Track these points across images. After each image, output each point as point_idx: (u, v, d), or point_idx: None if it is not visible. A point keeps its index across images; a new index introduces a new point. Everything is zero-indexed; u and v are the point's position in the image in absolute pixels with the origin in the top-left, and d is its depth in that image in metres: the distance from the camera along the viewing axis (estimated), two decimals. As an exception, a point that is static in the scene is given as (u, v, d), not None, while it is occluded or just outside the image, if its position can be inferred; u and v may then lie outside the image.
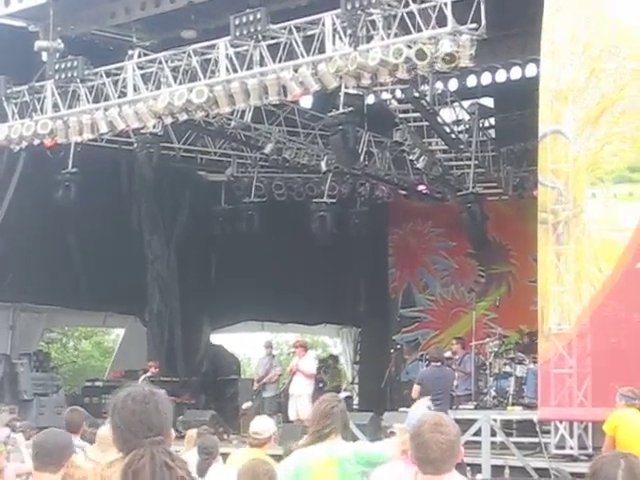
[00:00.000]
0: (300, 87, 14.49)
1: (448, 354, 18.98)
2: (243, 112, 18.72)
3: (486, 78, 22.37)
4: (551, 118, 12.87)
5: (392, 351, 24.47)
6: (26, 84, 17.02)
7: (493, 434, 14.15)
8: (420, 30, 13.17)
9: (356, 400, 24.87)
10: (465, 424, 12.79)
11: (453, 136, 20.07)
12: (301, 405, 17.73)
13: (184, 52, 15.79)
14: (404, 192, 24.24)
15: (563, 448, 13.47)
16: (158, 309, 23.23)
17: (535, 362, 15.79)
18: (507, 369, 18.41)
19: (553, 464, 13.10)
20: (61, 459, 5.39)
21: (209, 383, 23.07)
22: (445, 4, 12.92)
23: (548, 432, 13.90)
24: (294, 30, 14.48)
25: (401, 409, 17.84)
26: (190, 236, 23.32)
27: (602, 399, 11.74)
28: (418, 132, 19.79)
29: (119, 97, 16.36)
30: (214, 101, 15.24)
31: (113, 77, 16.48)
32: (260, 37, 14.61)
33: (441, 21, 13.03)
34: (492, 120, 22.64)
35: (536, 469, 13.34)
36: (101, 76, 16.52)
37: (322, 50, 14.22)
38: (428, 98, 18.12)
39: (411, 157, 20.18)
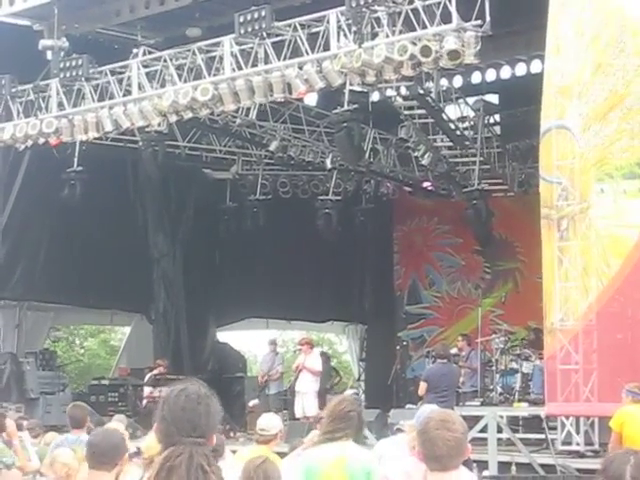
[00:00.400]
0: (305, 84, 14.49)
1: (454, 351, 19.00)
2: (248, 110, 18.69)
3: (491, 75, 22.38)
4: (555, 113, 12.84)
5: (398, 348, 24.47)
6: (31, 83, 17.04)
7: (499, 430, 14.15)
8: (425, 27, 13.16)
9: (362, 397, 24.88)
10: (471, 421, 12.78)
11: (458, 133, 20.05)
12: (307, 402, 17.77)
13: (189, 50, 15.80)
14: (409, 189, 24.25)
15: (569, 444, 13.49)
16: (164, 307, 23.25)
17: (541, 358, 15.79)
18: (513, 365, 18.40)
19: (559, 460, 13.12)
20: (116, 458, 5.50)
21: (215, 381, 22.99)
22: (449, 1, 12.91)
23: (555, 428, 13.92)
24: (299, 27, 14.48)
25: (407, 406, 17.90)
26: (195, 234, 23.35)
27: (608, 395, 11.74)
28: (423, 129, 19.77)
29: (124, 95, 16.37)
30: (219, 99, 15.24)
31: (118, 75, 16.49)
32: (265, 34, 14.60)
33: (446, 18, 13.02)
34: (497, 117, 22.61)
35: (542, 465, 13.35)
36: (106, 74, 16.53)
37: (327, 47, 14.22)
38: (433, 95, 18.09)
39: (416, 154, 20.19)
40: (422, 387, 14.93)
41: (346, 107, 16.51)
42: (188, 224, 23.43)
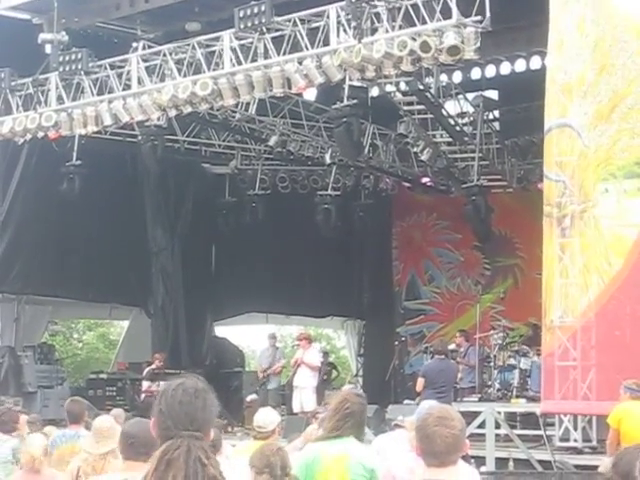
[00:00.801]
0: (304, 79, 14.48)
1: (452, 347, 19.01)
2: (247, 104, 18.69)
3: (490, 71, 22.34)
4: (558, 111, 12.83)
5: (396, 344, 24.49)
6: (30, 76, 17.03)
7: (497, 426, 14.17)
8: (424, 22, 13.15)
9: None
10: (469, 416, 12.80)
11: (457, 128, 20.02)
12: (305, 397, 17.76)
13: (188, 44, 15.79)
14: (408, 184, 24.21)
15: (567, 440, 13.50)
16: (162, 302, 23.26)
17: (539, 355, 15.79)
18: (511, 362, 18.41)
19: (557, 456, 13.13)
20: (152, 448, 5.48)
21: (213, 375, 23.01)
22: (450, -4, 12.91)
23: (552, 425, 13.93)
24: (298, 22, 14.47)
25: (405, 401, 17.93)
26: (194, 228, 23.36)
27: (606, 392, 11.74)
28: (422, 124, 19.76)
29: (123, 89, 16.37)
30: (218, 93, 15.24)
31: (117, 69, 16.49)
32: (264, 29, 14.60)
33: (445, 13, 13.00)
34: (496, 113, 22.63)
35: (540, 461, 13.36)
36: (105, 68, 16.53)
37: (326, 42, 14.22)
38: (432, 90, 18.09)
39: (415, 149, 20.18)
40: (420, 383, 14.94)
41: (345, 102, 16.48)
42: (187, 218, 23.43)
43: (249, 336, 32.88)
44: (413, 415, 7.98)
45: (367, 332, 27.37)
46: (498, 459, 13.58)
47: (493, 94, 22.52)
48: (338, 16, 14.04)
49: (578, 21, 12.72)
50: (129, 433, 5.58)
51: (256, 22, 14.49)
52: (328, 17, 14.15)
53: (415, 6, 13.23)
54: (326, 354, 23.47)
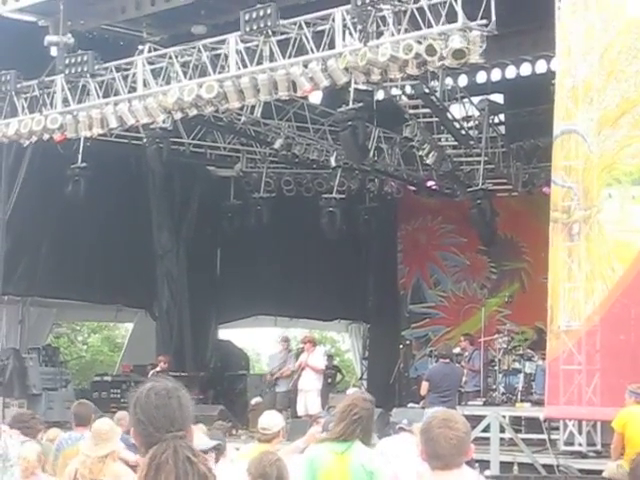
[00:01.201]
0: (310, 83, 14.48)
1: (457, 350, 19.00)
2: (253, 107, 18.70)
3: (496, 74, 22.36)
4: (567, 117, 12.81)
5: (401, 347, 24.48)
6: (36, 79, 17.04)
7: (502, 430, 14.14)
8: (430, 26, 13.14)
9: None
10: (474, 420, 12.77)
11: (463, 132, 20.03)
12: (310, 400, 17.77)
13: (194, 47, 15.80)
14: (413, 188, 24.22)
15: (572, 445, 13.47)
16: (167, 304, 23.27)
17: (544, 359, 15.75)
18: (516, 365, 18.38)
19: (561, 460, 13.10)
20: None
21: (217, 378, 23.09)
22: (455, 0, 12.90)
23: (557, 429, 13.90)
24: (304, 25, 14.47)
25: (410, 405, 17.90)
26: (199, 231, 23.38)
27: (611, 396, 11.71)
28: (428, 128, 19.76)
29: (129, 92, 16.37)
30: (224, 96, 15.24)
31: (123, 72, 16.49)
32: (270, 32, 14.59)
33: (451, 17, 13.00)
34: (502, 116, 22.61)
35: (545, 465, 13.34)
36: (111, 71, 16.53)
37: (332, 46, 14.21)
38: (438, 94, 18.07)
39: (420, 153, 20.18)
40: (424, 386, 14.93)
41: (351, 105, 16.48)
42: (192, 221, 23.45)
43: (255, 339, 32.91)
44: (420, 421, 7.98)
45: (372, 335, 27.37)
46: (502, 463, 13.55)
47: (499, 98, 22.50)
48: (344, 19, 14.05)
49: (586, 27, 12.70)
50: None
51: (262, 25, 14.49)
52: (334, 20, 14.16)
53: (421, 10, 13.23)
54: (331, 357, 23.48)
